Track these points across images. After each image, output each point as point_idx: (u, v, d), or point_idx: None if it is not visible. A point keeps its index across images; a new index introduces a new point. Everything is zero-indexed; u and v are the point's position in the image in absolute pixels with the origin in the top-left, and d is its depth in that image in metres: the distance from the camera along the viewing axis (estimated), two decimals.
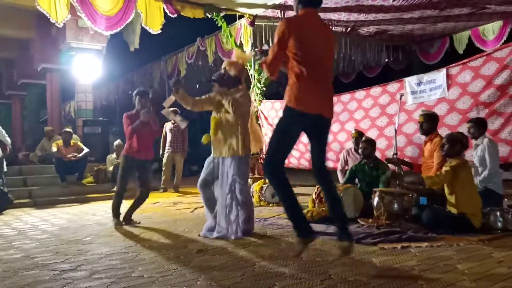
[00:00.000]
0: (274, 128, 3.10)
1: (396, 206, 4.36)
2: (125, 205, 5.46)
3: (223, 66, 4.42)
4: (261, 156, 7.87)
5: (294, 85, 2.99)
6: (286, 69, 3.12)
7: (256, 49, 4.51)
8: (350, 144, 7.22)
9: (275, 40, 3.03)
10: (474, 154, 5.06)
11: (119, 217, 5.29)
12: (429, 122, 5.19)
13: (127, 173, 5.34)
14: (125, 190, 5.34)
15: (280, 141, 3.03)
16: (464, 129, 5.53)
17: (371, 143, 5.52)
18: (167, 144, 9.29)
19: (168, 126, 9.29)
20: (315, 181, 3.26)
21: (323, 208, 5.00)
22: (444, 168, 4.21)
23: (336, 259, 3.14)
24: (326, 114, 3.07)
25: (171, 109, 4.95)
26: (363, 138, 5.76)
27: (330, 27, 8.92)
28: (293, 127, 3.03)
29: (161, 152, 9.43)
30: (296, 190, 8.73)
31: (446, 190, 4.30)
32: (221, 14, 8.42)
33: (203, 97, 4.50)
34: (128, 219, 5.32)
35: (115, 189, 8.61)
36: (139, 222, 5.31)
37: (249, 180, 6.41)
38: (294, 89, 2.98)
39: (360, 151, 5.58)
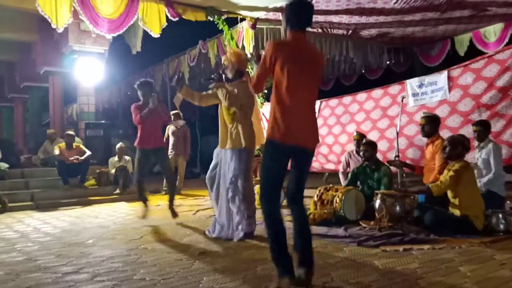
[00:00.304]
0: (262, 163, 2.98)
1: (398, 208, 4.36)
2: (126, 207, 5.48)
3: (223, 61, 4.46)
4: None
5: (277, 115, 2.88)
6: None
7: (212, 76, 4.51)
8: (351, 146, 7.22)
9: (262, 60, 2.97)
10: (477, 156, 5.06)
11: (146, 202, 5.61)
12: (431, 125, 5.19)
13: (143, 165, 5.55)
14: (143, 181, 5.58)
15: (269, 172, 2.91)
16: (465, 131, 5.53)
17: (371, 145, 5.52)
18: (170, 146, 9.29)
19: (171, 129, 9.29)
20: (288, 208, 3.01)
21: (325, 211, 5.00)
22: (448, 173, 4.19)
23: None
24: (309, 145, 2.97)
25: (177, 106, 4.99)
26: (364, 141, 5.76)
27: (319, 51, 8.92)
28: (277, 158, 2.89)
29: None
30: None
31: (449, 193, 4.29)
32: (223, 17, 8.44)
33: (210, 91, 4.52)
34: (171, 207, 5.65)
35: (117, 191, 8.70)
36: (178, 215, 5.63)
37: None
38: (277, 119, 2.87)
39: (361, 153, 5.58)
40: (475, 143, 5.14)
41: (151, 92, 5.57)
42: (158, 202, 7.83)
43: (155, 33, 7.60)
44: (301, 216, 2.92)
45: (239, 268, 3.18)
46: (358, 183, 5.64)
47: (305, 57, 2.97)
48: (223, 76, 4.41)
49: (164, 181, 9.26)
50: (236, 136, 4.27)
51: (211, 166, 4.56)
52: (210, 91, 4.51)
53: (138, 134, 5.54)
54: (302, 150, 2.92)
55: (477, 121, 5.23)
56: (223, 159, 4.36)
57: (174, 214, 5.59)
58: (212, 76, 4.50)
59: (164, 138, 9.21)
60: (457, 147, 4.27)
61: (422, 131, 5.30)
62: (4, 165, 8.57)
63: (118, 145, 9.46)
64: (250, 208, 4.33)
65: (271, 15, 8.54)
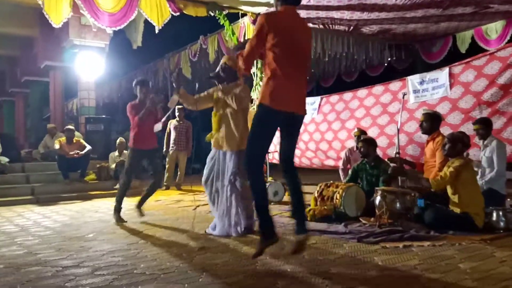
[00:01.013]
0: (250, 131, 3.08)
1: (398, 205, 4.36)
2: (126, 201, 5.48)
3: (222, 61, 4.43)
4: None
5: (269, 82, 2.97)
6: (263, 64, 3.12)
7: (211, 75, 4.51)
8: (351, 143, 7.22)
9: (254, 33, 3.04)
10: (481, 154, 5.05)
11: (119, 212, 5.30)
12: (430, 122, 5.19)
13: (135, 165, 5.43)
14: (130, 182, 5.41)
15: (256, 139, 3.02)
16: (466, 128, 5.53)
17: (368, 142, 5.52)
18: (171, 141, 9.29)
19: (172, 123, 9.28)
20: (282, 174, 3.22)
21: (325, 207, 5.01)
22: (448, 169, 4.20)
23: (290, 252, 3.10)
24: (299, 111, 3.08)
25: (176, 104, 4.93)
26: (362, 137, 5.76)
27: (309, 24, 8.88)
28: (267, 124, 3.00)
29: (164, 149, 9.42)
30: None
31: (449, 190, 4.30)
32: (224, 13, 8.41)
33: (202, 94, 4.52)
34: (139, 207, 5.40)
35: (117, 186, 8.70)
36: (144, 215, 5.40)
37: None
38: (269, 86, 2.96)
39: (360, 150, 5.57)
40: (477, 141, 5.13)
41: (148, 91, 5.46)
42: (158, 197, 7.84)
43: (158, 25, 7.56)
44: (295, 182, 3.11)
45: (239, 264, 3.19)
46: (359, 179, 5.64)
47: (296, 26, 3.06)
48: (221, 75, 4.38)
49: (164, 177, 9.28)
50: (237, 138, 4.26)
51: (206, 171, 4.51)
52: (203, 94, 4.51)
53: (133, 134, 5.37)
54: (294, 116, 3.04)
55: (477, 119, 5.22)
56: (221, 159, 4.35)
57: (139, 208, 5.39)
58: (211, 74, 4.48)
59: (166, 132, 9.23)
60: (457, 145, 4.27)
61: (421, 128, 5.31)
62: (5, 159, 8.58)
63: (118, 140, 9.46)
64: (249, 208, 4.32)
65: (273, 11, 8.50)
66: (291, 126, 3.11)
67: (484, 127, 5.02)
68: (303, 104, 3.13)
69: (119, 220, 5.21)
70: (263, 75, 3.13)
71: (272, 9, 8.34)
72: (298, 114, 3.07)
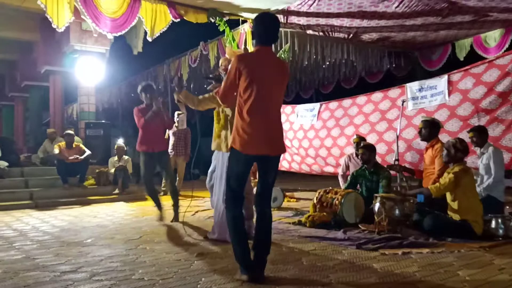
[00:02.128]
0: (227, 168, 3.12)
1: (397, 212, 4.37)
2: (125, 207, 5.47)
3: (220, 62, 4.44)
4: None
5: (239, 126, 2.97)
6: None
7: (211, 76, 4.55)
8: (350, 149, 7.23)
9: (227, 73, 3.06)
10: (479, 162, 5.06)
11: (161, 208, 5.59)
12: (428, 129, 5.21)
13: (150, 166, 5.55)
14: (151, 182, 5.62)
15: (233, 178, 3.03)
16: (464, 135, 5.53)
17: (369, 148, 5.51)
18: (170, 147, 9.28)
19: (171, 129, 9.28)
20: (255, 207, 3.14)
21: (324, 213, 5.01)
22: (448, 176, 4.21)
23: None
24: (273, 153, 3.05)
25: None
26: (361, 144, 5.76)
27: (309, 31, 8.92)
28: (240, 165, 3.01)
29: None
30: (297, 194, 8.68)
31: (448, 196, 4.30)
32: (224, 19, 8.45)
33: (206, 95, 4.53)
34: (176, 219, 5.58)
35: (116, 191, 8.70)
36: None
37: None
38: (239, 130, 2.96)
39: (359, 156, 5.57)
40: (476, 149, 5.14)
41: (154, 95, 5.59)
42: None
43: (153, 35, 7.60)
44: (265, 219, 3.06)
45: (238, 270, 3.17)
46: (358, 186, 5.64)
47: (268, 69, 3.05)
48: (221, 77, 4.40)
49: (163, 182, 9.27)
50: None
51: (208, 174, 4.53)
52: (206, 95, 4.52)
53: (140, 138, 5.49)
54: (265, 158, 3.03)
55: (472, 127, 5.25)
56: (220, 161, 4.36)
57: (177, 219, 5.58)
58: (211, 75, 4.51)
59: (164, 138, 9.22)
60: (456, 152, 4.28)
61: (420, 135, 5.33)
62: (4, 164, 8.58)
63: (116, 145, 9.47)
64: (248, 213, 4.32)
65: None
66: (265, 166, 3.08)
67: (477, 134, 5.03)
68: (277, 144, 3.06)
69: (162, 217, 5.52)
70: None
71: (280, 17, 8.40)
72: (271, 156, 3.05)
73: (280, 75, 3.11)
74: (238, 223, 3.00)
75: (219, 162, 4.38)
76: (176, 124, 9.21)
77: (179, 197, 8.77)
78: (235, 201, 3.03)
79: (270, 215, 3.09)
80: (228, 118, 4.29)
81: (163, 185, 9.28)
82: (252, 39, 3.19)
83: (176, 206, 5.65)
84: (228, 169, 3.09)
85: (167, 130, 9.17)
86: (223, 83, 3.13)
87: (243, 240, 2.97)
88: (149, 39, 7.71)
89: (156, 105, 5.40)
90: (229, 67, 3.08)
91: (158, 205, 5.61)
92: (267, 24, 3.11)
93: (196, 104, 4.49)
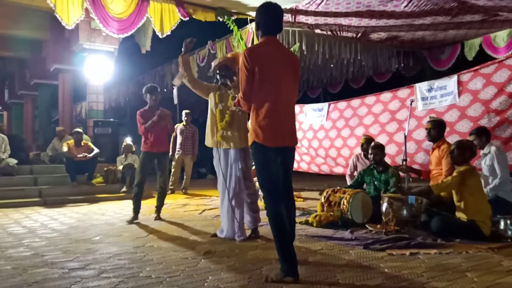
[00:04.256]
0: (256, 168, 3.11)
1: (405, 212, 4.35)
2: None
3: (222, 61, 4.44)
4: None
5: (257, 119, 2.98)
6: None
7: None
8: (359, 150, 7.20)
9: (241, 73, 3.02)
10: (482, 163, 5.02)
11: (137, 214, 5.55)
12: (437, 129, 5.17)
13: (146, 167, 5.62)
14: (143, 184, 5.61)
15: (264, 174, 3.04)
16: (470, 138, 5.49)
17: (381, 148, 5.50)
18: (177, 146, 9.32)
19: (179, 128, 9.32)
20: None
21: (332, 213, 5.00)
22: (453, 174, 4.18)
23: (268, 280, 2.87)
24: (290, 143, 3.10)
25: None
26: (373, 144, 5.73)
27: (317, 30, 8.88)
28: (266, 159, 3.02)
29: (170, 154, 9.44)
30: (305, 194, 8.65)
31: (455, 197, 4.27)
32: (233, 18, 8.45)
33: (205, 83, 4.57)
34: (158, 217, 5.69)
35: (124, 189, 8.74)
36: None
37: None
38: (258, 123, 2.97)
39: (370, 157, 5.54)
40: (480, 151, 5.10)
41: (157, 97, 5.65)
42: (165, 200, 7.85)
43: (163, 33, 7.63)
44: (291, 209, 3.10)
45: (245, 268, 3.19)
46: (364, 185, 5.62)
47: (279, 59, 3.04)
48: (230, 72, 4.40)
49: (170, 181, 9.30)
50: (239, 135, 4.27)
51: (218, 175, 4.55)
52: (204, 82, 4.57)
53: (144, 139, 5.62)
54: (286, 149, 3.07)
55: (471, 130, 5.22)
56: (223, 158, 4.34)
57: (159, 218, 5.69)
58: (222, 72, 4.45)
59: (172, 136, 9.26)
60: (465, 152, 4.24)
61: (428, 135, 5.27)
62: (13, 161, 8.65)
63: (124, 143, 9.52)
64: (254, 207, 4.36)
65: None
66: (286, 156, 3.11)
67: (476, 136, 5.00)
68: (293, 135, 3.12)
69: (133, 220, 5.46)
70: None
71: (288, 16, 8.39)
72: (289, 146, 3.11)
73: (289, 64, 3.10)
74: (279, 220, 2.92)
75: (221, 159, 4.36)
76: (184, 122, 9.29)
77: (186, 196, 8.83)
78: (273, 196, 2.98)
79: (294, 204, 3.18)
80: (238, 114, 4.28)
81: (171, 183, 9.32)
82: (257, 30, 3.14)
83: (160, 207, 5.77)
84: (257, 166, 3.07)
85: (175, 126, 9.25)
86: (240, 86, 3.08)
87: (286, 238, 2.91)
88: (160, 36, 7.72)
89: (156, 118, 5.49)
90: (240, 65, 3.06)
91: (137, 210, 5.54)
92: (272, 13, 3.09)
93: (191, 80, 4.48)
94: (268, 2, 3.18)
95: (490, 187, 4.79)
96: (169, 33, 7.72)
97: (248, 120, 4.35)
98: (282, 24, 3.18)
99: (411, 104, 5.88)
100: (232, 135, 4.28)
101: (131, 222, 5.42)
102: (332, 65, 11.35)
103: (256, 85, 2.98)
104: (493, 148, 4.88)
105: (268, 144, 2.97)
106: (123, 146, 9.48)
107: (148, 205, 7.48)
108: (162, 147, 5.70)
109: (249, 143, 3.11)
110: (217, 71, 4.44)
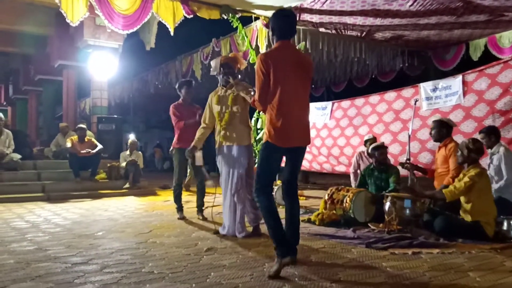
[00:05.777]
0: (259, 161, 3.24)
1: (407, 211, 4.34)
2: (136, 201, 5.50)
3: (224, 60, 4.49)
4: None
5: (271, 121, 3.09)
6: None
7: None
8: (363, 148, 7.19)
9: (257, 76, 3.12)
10: (488, 162, 5.00)
11: (182, 210, 5.60)
12: (438, 129, 5.17)
13: (183, 164, 5.61)
14: (182, 182, 5.69)
15: (265, 169, 3.16)
16: (479, 136, 5.47)
17: (386, 148, 5.57)
18: None
19: None
20: (283, 196, 3.30)
21: (334, 212, 5.00)
22: (463, 180, 4.14)
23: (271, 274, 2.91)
24: (302, 144, 3.23)
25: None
26: (377, 144, 5.73)
27: (321, 28, 8.87)
28: (274, 157, 3.17)
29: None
30: (307, 192, 8.66)
31: (463, 198, 4.23)
32: (237, 16, 8.45)
33: (207, 115, 4.64)
34: (200, 212, 5.63)
35: (127, 185, 8.75)
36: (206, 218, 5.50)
37: None
38: (272, 125, 3.08)
39: (377, 156, 5.54)
40: (488, 150, 5.08)
41: (191, 92, 5.68)
42: (167, 197, 7.88)
43: (171, 28, 7.63)
44: (293, 208, 3.21)
45: (247, 265, 3.19)
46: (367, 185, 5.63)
47: (293, 62, 3.15)
48: (234, 70, 4.44)
49: (174, 178, 9.27)
50: (247, 133, 4.37)
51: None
52: (206, 114, 4.66)
53: (176, 136, 5.59)
54: (296, 149, 3.21)
55: (481, 129, 5.19)
56: (224, 155, 4.39)
57: (201, 213, 5.63)
58: (226, 70, 4.48)
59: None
60: (470, 152, 4.22)
61: (431, 136, 5.30)
62: (17, 156, 8.68)
63: (129, 140, 9.53)
64: (256, 204, 4.36)
65: None
66: (295, 156, 3.26)
67: (486, 136, 4.97)
68: (306, 136, 3.24)
69: (181, 217, 5.50)
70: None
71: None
72: (301, 147, 3.24)
73: (303, 67, 3.19)
74: (273, 210, 3.07)
75: (225, 157, 4.39)
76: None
77: (189, 193, 8.84)
78: (266, 191, 3.12)
79: (298, 202, 3.28)
80: (239, 113, 4.34)
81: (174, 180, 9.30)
82: (272, 35, 3.26)
83: (201, 205, 5.68)
84: (261, 162, 3.17)
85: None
86: (256, 89, 3.17)
87: (280, 225, 3.04)
88: (171, 33, 7.71)
89: (199, 116, 5.34)
90: (255, 68, 3.14)
91: (181, 207, 5.65)
92: (286, 19, 3.22)
93: (209, 132, 4.70)
94: (282, 8, 3.36)
95: (495, 188, 4.76)
96: (173, 31, 7.71)
97: (251, 119, 4.39)
98: (295, 29, 3.32)
99: (415, 104, 5.86)
100: (233, 134, 4.35)
101: (181, 218, 5.48)
102: (336, 63, 11.33)
103: (271, 87, 3.08)
104: (502, 149, 4.84)
105: (280, 145, 3.09)
106: (129, 143, 9.50)
107: (151, 201, 7.51)
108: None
109: (263, 142, 3.21)
110: (221, 68, 4.47)
